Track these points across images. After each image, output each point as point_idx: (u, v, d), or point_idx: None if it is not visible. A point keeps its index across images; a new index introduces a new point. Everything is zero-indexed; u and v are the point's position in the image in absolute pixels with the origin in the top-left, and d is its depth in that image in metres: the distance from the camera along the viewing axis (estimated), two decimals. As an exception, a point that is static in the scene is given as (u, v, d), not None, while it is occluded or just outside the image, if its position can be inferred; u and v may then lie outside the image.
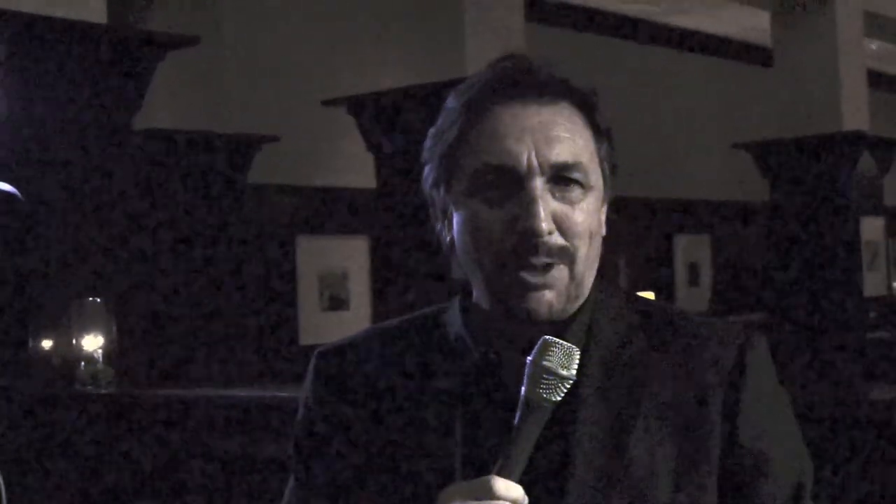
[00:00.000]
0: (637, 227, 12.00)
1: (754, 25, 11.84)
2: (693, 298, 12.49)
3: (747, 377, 1.51)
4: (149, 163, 6.91)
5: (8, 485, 3.91)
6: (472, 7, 7.02)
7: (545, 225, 1.43)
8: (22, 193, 4.59)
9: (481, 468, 1.43)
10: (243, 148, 7.52)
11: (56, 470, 4.74)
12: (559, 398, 1.40)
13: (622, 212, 11.77)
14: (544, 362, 1.40)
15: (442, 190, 1.52)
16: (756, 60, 12.73)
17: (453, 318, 1.57)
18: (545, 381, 1.39)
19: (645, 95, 11.99)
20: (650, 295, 10.53)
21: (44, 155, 5.01)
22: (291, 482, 1.61)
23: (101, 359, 4.97)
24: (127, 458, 4.82)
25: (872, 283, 8.96)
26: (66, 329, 4.95)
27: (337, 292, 8.98)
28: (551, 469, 1.46)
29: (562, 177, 1.47)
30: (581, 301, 1.51)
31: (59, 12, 5.07)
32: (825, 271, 8.65)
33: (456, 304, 1.58)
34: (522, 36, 7.32)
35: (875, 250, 9.06)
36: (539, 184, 1.45)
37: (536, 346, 1.41)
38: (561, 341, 1.41)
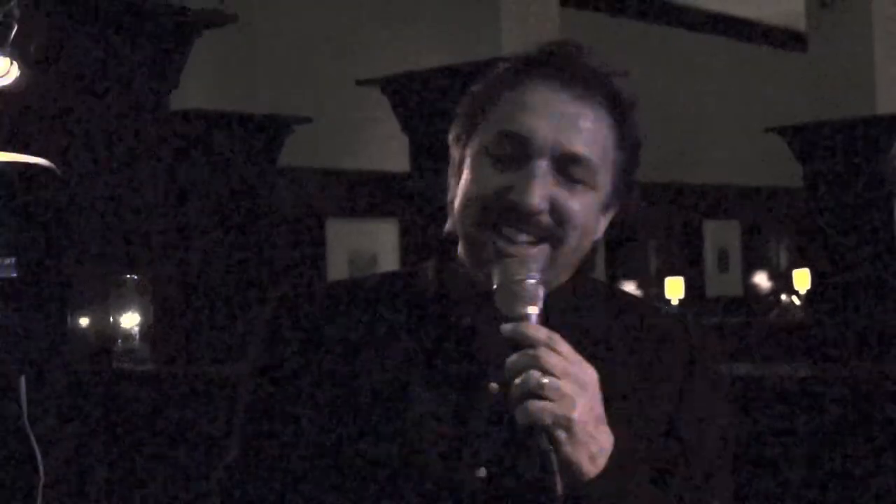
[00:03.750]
0: (667, 213, 11.96)
1: (788, 9, 11.77)
2: (722, 284, 12.45)
3: (697, 366, 1.57)
4: (183, 142, 6.90)
5: (45, 462, 3.91)
6: (507, -12, 6.99)
7: (537, 202, 1.46)
8: (59, 170, 4.58)
9: (435, 435, 1.47)
10: (275, 129, 7.51)
11: (93, 447, 4.74)
12: (538, 306, 1.42)
13: (652, 197, 11.74)
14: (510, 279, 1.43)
15: (462, 145, 1.56)
16: (789, 45, 12.67)
17: (427, 277, 1.59)
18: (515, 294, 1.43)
19: (677, 80, 11.95)
20: (679, 281, 10.46)
21: (81, 133, 5.01)
22: (241, 427, 1.60)
23: (137, 336, 4.97)
24: (164, 435, 4.82)
25: (908, 268, 8.90)
26: (104, 307, 4.95)
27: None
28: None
29: (567, 168, 1.49)
30: (553, 287, 1.52)
31: (96, -11, 5.07)
32: (860, 254, 8.59)
33: (432, 263, 1.60)
34: (557, 18, 7.29)
35: (910, 235, 8.99)
36: (544, 164, 1.48)
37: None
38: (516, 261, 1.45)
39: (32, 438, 3.83)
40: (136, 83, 5.16)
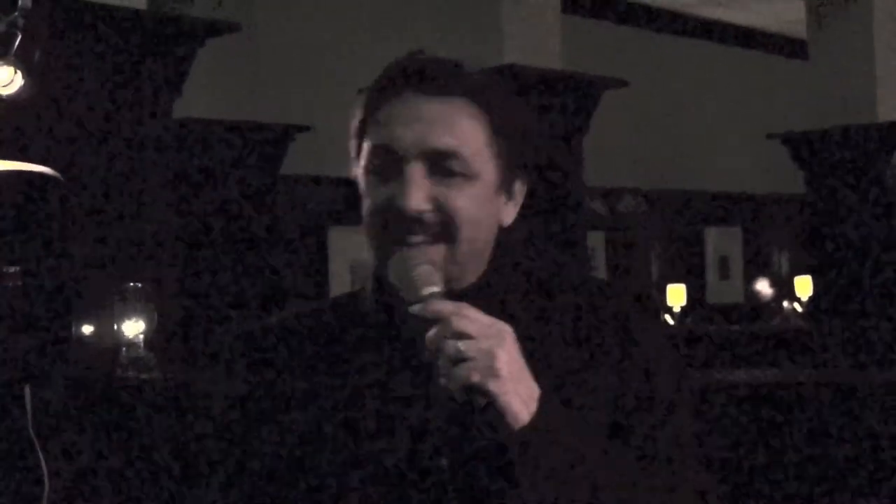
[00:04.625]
0: (668, 220, 11.95)
1: (789, 17, 11.78)
2: (724, 291, 12.44)
3: (637, 323, 1.65)
4: (186, 151, 6.91)
5: (50, 471, 3.92)
6: (509, -4, 7.00)
7: (415, 203, 1.55)
8: (63, 179, 4.59)
9: (396, 434, 1.55)
10: (278, 137, 7.51)
11: (97, 455, 4.74)
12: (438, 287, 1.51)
13: (654, 204, 11.74)
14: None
15: (356, 170, 1.66)
16: (791, 52, 12.68)
17: (367, 299, 1.68)
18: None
19: (678, 87, 11.95)
20: (681, 288, 10.45)
21: (85, 141, 5.02)
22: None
23: (142, 344, 4.97)
24: (169, 443, 4.82)
25: (909, 275, 8.89)
26: (108, 314, 4.96)
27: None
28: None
29: (441, 165, 1.57)
30: (469, 281, 1.62)
31: (99, -2, 5.08)
32: (861, 263, 8.60)
33: (370, 284, 1.68)
34: (559, 27, 7.31)
35: (912, 242, 8.99)
36: (417, 167, 1.57)
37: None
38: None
39: (38, 447, 3.83)
40: (139, 92, 5.17)
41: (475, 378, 1.43)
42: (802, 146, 9.06)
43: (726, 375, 4.65)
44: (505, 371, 1.44)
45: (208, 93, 7.26)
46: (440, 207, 1.57)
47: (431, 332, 1.46)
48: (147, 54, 5.18)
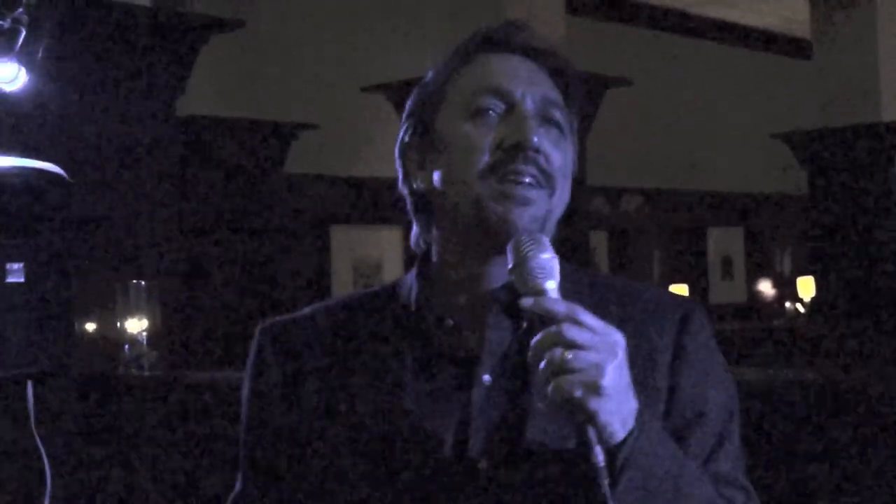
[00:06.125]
0: (671, 220, 11.95)
1: (793, 17, 11.78)
2: (726, 291, 12.44)
3: (690, 336, 1.55)
4: (189, 148, 6.91)
5: (53, 469, 3.91)
6: (513, -5, 7.00)
7: (535, 138, 1.48)
8: (67, 176, 4.58)
9: (432, 432, 1.47)
10: (281, 135, 7.51)
11: (100, 452, 4.74)
12: (556, 280, 1.42)
13: (656, 204, 11.73)
14: (526, 255, 1.42)
15: (417, 144, 1.57)
16: (795, 52, 12.68)
17: (408, 285, 1.59)
18: (531, 272, 1.42)
19: (682, 87, 11.95)
20: (683, 288, 10.48)
21: (89, 138, 5.02)
22: (242, 459, 1.63)
23: (145, 341, 4.98)
24: (172, 441, 4.82)
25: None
26: (111, 312, 4.96)
27: (371, 282, 8.96)
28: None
29: (546, 116, 1.52)
30: None
31: (103, -5, 5.08)
32: (865, 262, 8.60)
33: (412, 272, 1.60)
34: (563, 26, 7.30)
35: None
36: (529, 105, 1.51)
37: (509, 251, 1.44)
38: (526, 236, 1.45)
39: (40, 445, 3.83)
40: (143, 89, 5.17)
41: (577, 394, 1.32)
42: (806, 146, 9.06)
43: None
44: (611, 391, 1.34)
45: (212, 90, 7.26)
46: (543, 153, 1.50)
47: (539, 337, 1.35)
48: (151, 51, 5.18)
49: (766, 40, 13.13)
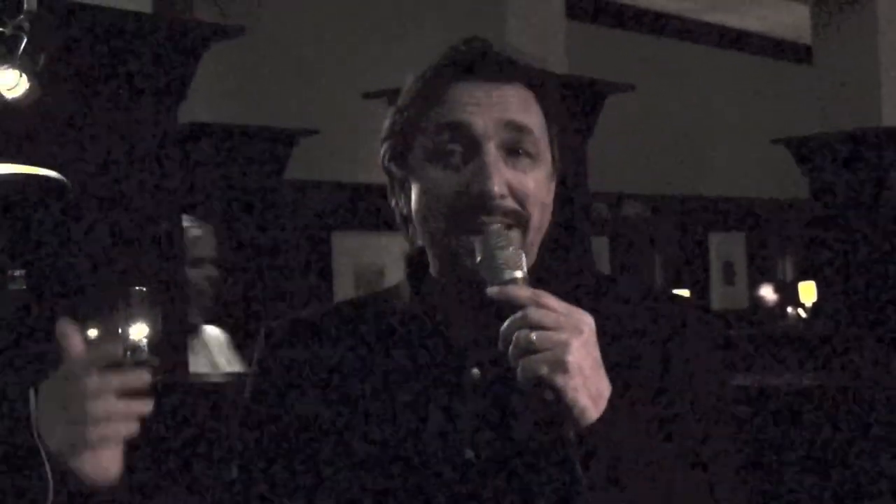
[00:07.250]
0: (672, 225, 11.95)
1: (793, 22, 11.78)
2: (728, 297, 12.43)
3: (687, 331, 1.59)
4: (191, 154, 6.91)
5: (54, 473, 3.90)
6: (513, 1, 6.99)
7: (497, 188, 1.51)
8: (69, 182, 4.59)
9: (423, 425, 1.53)
10: (282, 141, 7.51)
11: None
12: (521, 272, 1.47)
13: (658, 210, 11.73)
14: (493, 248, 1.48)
15: (400, 163, 1.63)
16: (795, 57, 12.68)
17: (403, 291, 1.65)
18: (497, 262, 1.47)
19: (683, 92, 11.95)
20: (685, 293, 10.47)
21: (90, 145, 5.02)
22: (239, 451, 1.67)
23: (146, 348, 4.97)
24: (173, 447, 4.82)
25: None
26: (112, 318, 4.95)
27: (373, 288, 8.91)
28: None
29: (513, 147, 1.55)
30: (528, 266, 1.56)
31: (103, 1, 5.07)
32: (867, 267, 8.59)
33: (405, 278, 1.65)
34: (563, 32, 7.30)
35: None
36: (492, 148, 1.53)
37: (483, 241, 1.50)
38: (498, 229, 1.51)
39: (43, 452, 3.83)
40: (144, 96, 5.17)
41: (542, 371, 1.37)
42: (807, 151, 9.06)
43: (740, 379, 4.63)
44: (575, 365, 1.38)
45: (214, 96, 7.26)
46: (514, 192, 1.53)
47: (506, 324, 1.40)
48: (152, 58, 5.18)
49: (767, 46, 13.13)
